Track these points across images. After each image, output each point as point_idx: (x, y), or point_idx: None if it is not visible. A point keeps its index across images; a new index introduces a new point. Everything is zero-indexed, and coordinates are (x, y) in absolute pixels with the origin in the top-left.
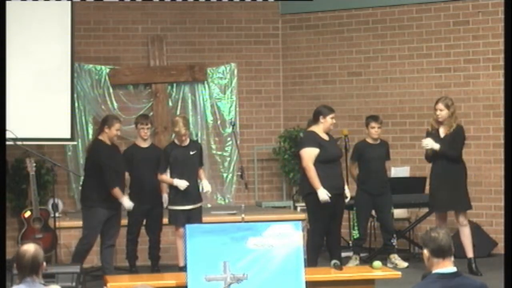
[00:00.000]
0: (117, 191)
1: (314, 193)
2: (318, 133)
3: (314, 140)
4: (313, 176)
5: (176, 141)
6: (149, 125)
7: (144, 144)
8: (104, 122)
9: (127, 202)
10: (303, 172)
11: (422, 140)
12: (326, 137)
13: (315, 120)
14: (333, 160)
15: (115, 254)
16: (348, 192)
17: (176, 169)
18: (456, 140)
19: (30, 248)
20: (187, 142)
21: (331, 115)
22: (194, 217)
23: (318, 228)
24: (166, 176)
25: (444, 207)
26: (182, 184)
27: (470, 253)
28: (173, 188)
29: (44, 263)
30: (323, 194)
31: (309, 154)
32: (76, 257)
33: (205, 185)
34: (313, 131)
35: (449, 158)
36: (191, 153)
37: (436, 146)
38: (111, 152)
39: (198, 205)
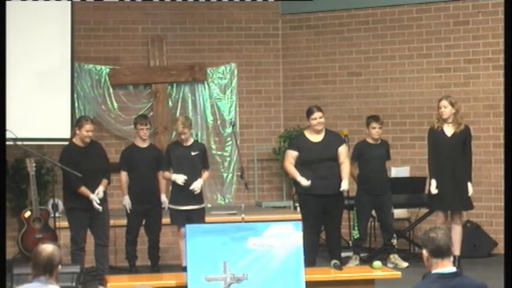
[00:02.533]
0: (83, 189)
1: (300, 194)
2: (307, 134)
3: (295, 142)
4: (292, 173)
5: (179, 140)
6: (148, 126)
7: (143, 144)
8: (75, 124)
9: (94, 200)
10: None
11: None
12: (315, 138)
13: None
14: (313, 162)
15: (115, 254)
16: (344, 185)
17: (176, 168)
18: (466, 143)
19: (47, 248)
20: (189, 142)
21: (312, 116)
22: (195, 218)
23: (307, 227)
24: (167, 173)
25: (454, 207)
26: (179, 178)
27: (457, 251)
28: (174, 187)
29: (60, 266)
30: (303, 181)
31: (287, 155)
32: (73, 260)
33: (196, 183)
34: (302, 133)
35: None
36: (193, 153)
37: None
38: (78, 153)
39: (198, 206)
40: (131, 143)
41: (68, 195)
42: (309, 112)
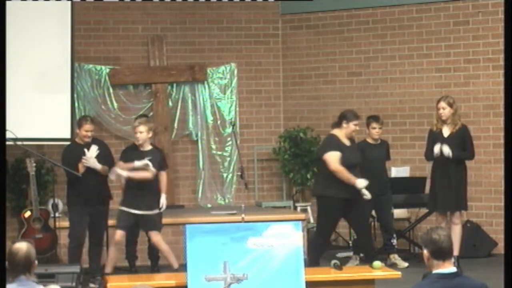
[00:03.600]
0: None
1: (326, 196)
2: (339, 137)
3: (336, 144)
4: (346, 175)
5: (136, 143)
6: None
7: None
8: (76, 124)
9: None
10: (320, 173)
11: (436, 147)
12: (347, 142)
13: (338, 123)
14: (350, 167)
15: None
16: (366, 194)
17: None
18: (466, 141)
19: (22, 246)
20: (146, 147)
21: (354, 122)
22: (145, 223)
23: (323, 230)
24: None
25: (447, 208)
26: (122, 172)
27: (456, 251)
28: (128, 189)
29: (36, 262)
30: (361, 183)
31: (334, 157)
32: (70, 257)
33: (162, 200)
34: (334, 135)
35: (459, 160)
36: (147, 159)
37: (449, 154)
38: (79, 151)
39: (151, 212)
40: (132, 143)
41: (70, 192)
42: (353, 117)
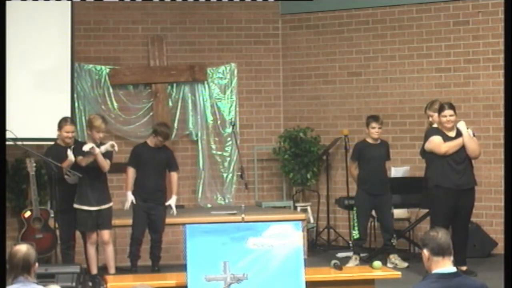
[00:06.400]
0: (67, 163)
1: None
2: (440, 129)
3: (432, 132)
4: (454, 144)
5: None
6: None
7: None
8: (57, 125)
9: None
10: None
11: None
12: (450, 134)
13: None
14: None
15: (115, 254)
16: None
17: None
18: None
19: (22, 248)
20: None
21: (442, 113)
22: (105, 217)
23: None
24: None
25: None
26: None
27: None
28: (82, 186)
29: (37, 264)
30: (462, 125)
31: (436, 141)
32: (62, 259)
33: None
34: (437, 129)
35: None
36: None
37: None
38: (57, 152)
39: (108, 205)
40: (144, 142)
41: (60, 193)
42: (439, 109)
